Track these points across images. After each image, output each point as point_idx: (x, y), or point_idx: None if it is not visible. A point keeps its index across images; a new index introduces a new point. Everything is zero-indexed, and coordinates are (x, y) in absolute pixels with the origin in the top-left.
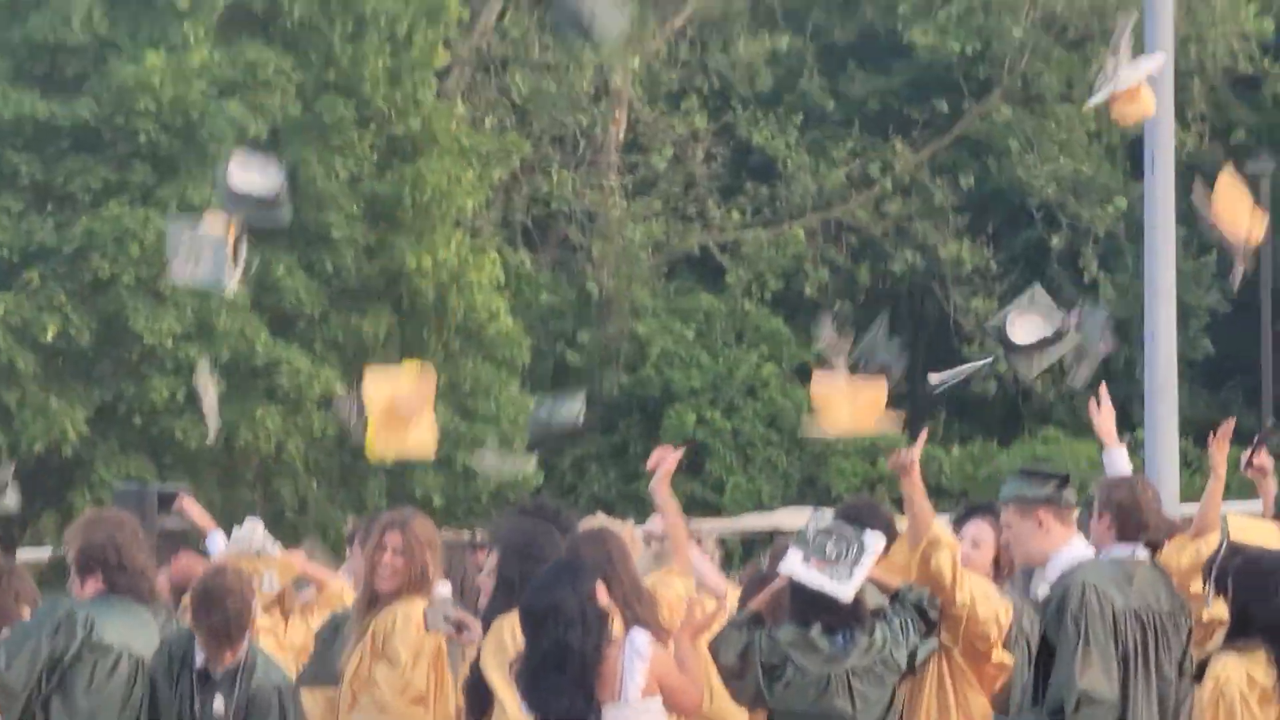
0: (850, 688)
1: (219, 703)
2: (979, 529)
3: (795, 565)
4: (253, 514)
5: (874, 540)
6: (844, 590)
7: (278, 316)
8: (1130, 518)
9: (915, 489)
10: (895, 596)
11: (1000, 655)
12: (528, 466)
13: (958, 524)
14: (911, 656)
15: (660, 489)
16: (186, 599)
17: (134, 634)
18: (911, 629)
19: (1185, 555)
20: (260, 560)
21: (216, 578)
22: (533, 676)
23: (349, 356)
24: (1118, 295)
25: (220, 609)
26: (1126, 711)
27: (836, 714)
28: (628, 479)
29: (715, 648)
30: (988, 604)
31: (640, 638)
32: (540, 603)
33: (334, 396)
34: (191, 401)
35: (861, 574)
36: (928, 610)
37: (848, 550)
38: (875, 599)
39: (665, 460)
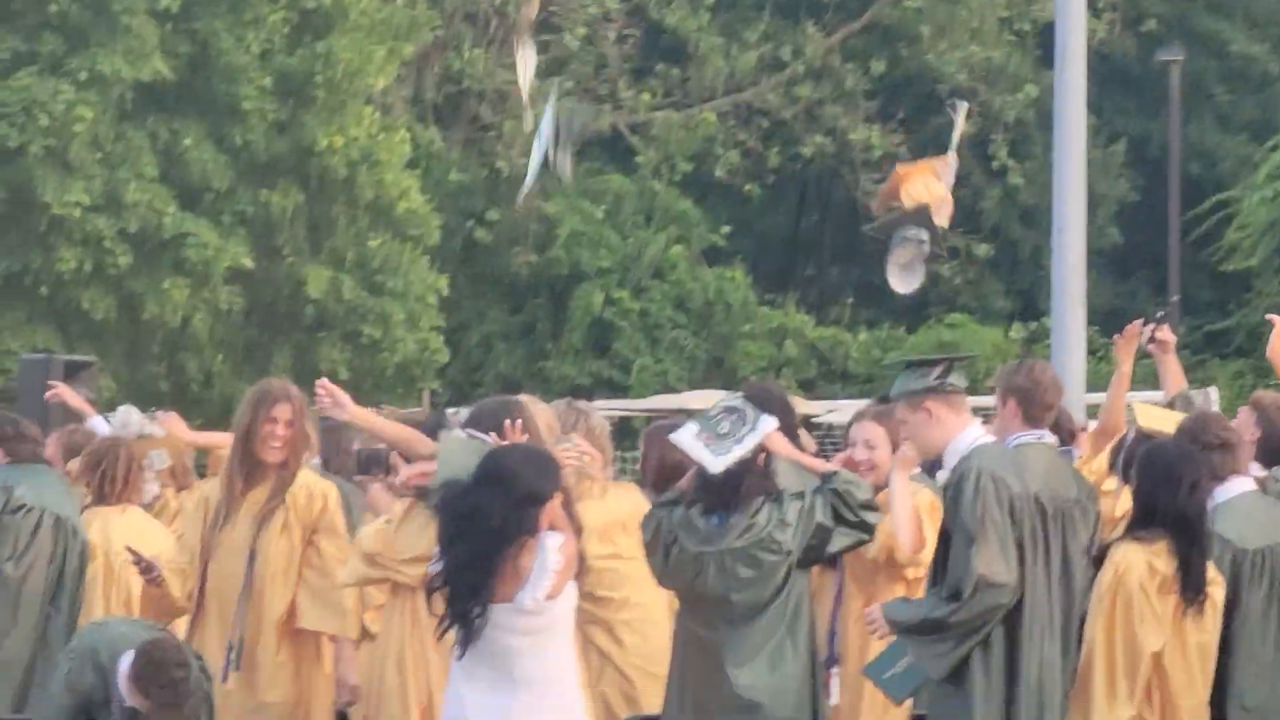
0: (724, 568)
1: None
2: (867, 430)
3: (685, 437)
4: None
5: (765, 422)
6: (713, 464)
7: (186, 190)
8: (1031, 401)
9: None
10: (823, 480)
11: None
12: None
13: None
14: (815, 541)
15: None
16: (72, 464)
17: (48, 493)
18: (818, 514)
19: (1096, 463)
20: (145, 442)
21: (156, 652)
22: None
23: (257, 231)
24: (1026, 183)
25: (169, 689)
26: (1024, 598)
27: (709, 593)
28: (534, 358)
29: (641, 525)
30: None
31: (552, 540)
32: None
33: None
34: (99, 272)
35: (739, 452)
36: (849, 503)
37: (738, 429)
38: (797, 482)
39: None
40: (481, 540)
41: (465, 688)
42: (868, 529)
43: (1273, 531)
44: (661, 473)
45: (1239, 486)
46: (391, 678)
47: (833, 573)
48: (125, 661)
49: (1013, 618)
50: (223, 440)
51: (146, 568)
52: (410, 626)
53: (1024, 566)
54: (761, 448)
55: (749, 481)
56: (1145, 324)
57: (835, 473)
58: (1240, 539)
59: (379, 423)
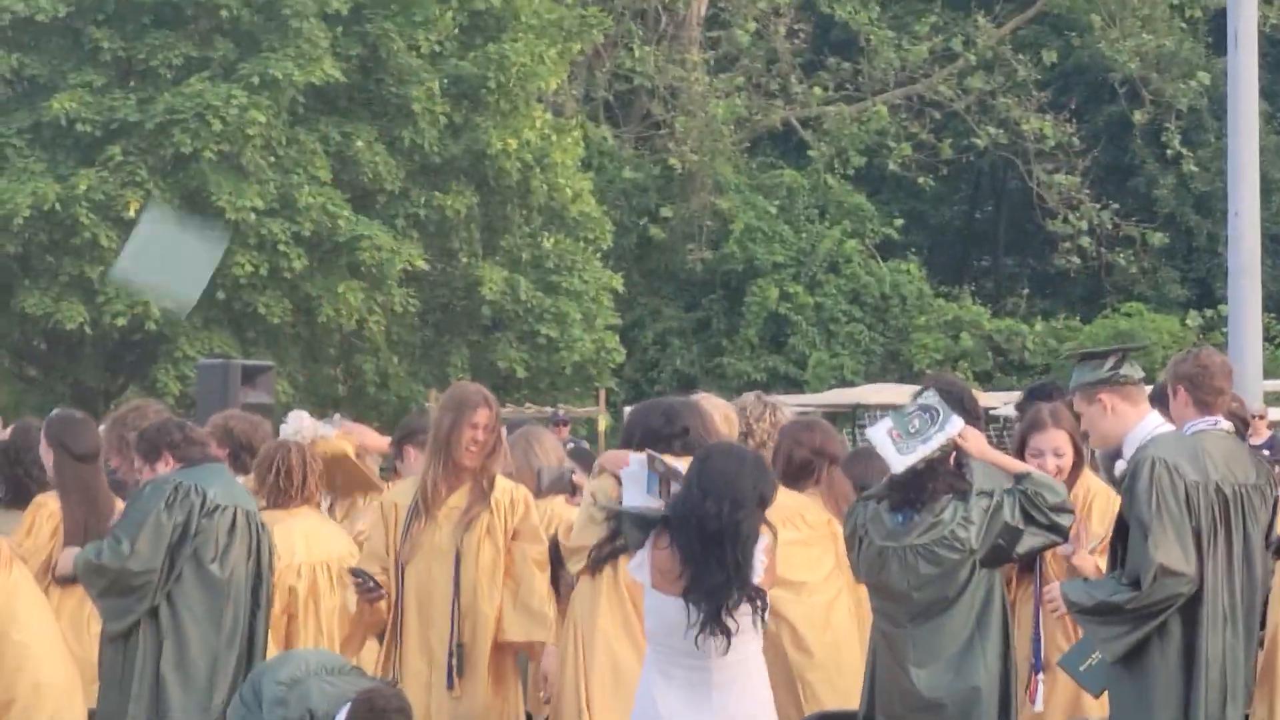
0: (906, 564)
1: None
2: (1054, 439)
3: (878, 433)
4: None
5: (953, 423)
6: (898, 462)
7: (359, 192)
8: (1200, 387)
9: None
10: (1016, 481)
11: None
12: None
13: (1020, 408)
14: (1003, 541)
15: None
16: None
17: (233, 489)
18: (1006, 513)
19: None
20: (320, 444)
21: (378, 700)
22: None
23: (431, 233)
24: (1200, 170)
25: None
26: (1203, 586)
27: (893, 589)
28: (710, 354)
29: (844, 518)
30: None
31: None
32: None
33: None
34: (274, 276)
35: (923, 451)
36: (1040, 505)
37: (927, 428)
38: (989, 481)
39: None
40: (727, 547)
41: (662, 686)
42: (1060, 531)
43: None
44: (788, 469)
45: None
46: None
47: (1030, 576)
48: (342, 712)
49: (1192, 606)
50: (385, 443)
51: (370, 587)
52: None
53: (1203, 554)
54: (953, 446)
55: (937, 479)
56: None
57: (1028, 473)
58: None
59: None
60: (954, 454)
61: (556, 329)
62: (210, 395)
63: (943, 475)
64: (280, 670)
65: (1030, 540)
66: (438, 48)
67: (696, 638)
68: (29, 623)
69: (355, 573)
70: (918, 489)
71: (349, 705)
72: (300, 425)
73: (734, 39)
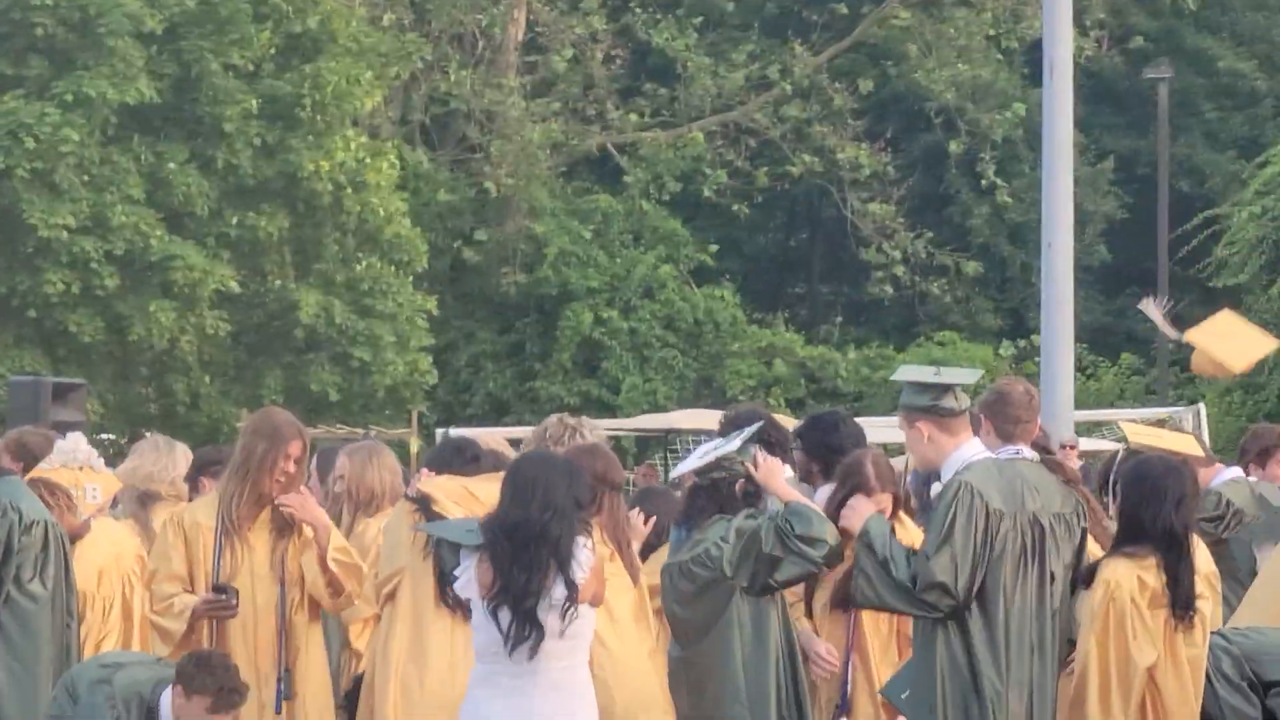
0: (673, 581)
1: None
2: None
3: (683, 465)
4: (144, 408)
5: (731, 442)
6: (675, 470)
7: (172, 212)
8: (1002, 417)
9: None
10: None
11: None
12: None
13: (801, 434)
14: (759, 568)
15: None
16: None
17: (35, 502)
18: (764, 540)
19: None
20: (84, 474)
21: (198, 652)
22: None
23: (244, 254)
24: (1015, 200)
25: (226, 672)
26: (1009, 612)
27: (666, 608)
28: (523, 378)
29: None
30: None
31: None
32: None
33: (229, 293)
34: (86, 294)
35: (693, 462)
36: (787, 534)
37: (712, 447)
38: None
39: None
40: (534, 549)
41: (485, 697)
42: (811, 561)
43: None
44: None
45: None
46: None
47: (844, 616)
48: (166, 690)
49: (994, 632)
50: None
51: (230, 605)
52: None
53: (1000, 583)
54: (733, 464)
55: (709, 498)
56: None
57: (788, 503)
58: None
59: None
60: (742, 480)
61: (369, 352)
62: (21, 412)
63: (717, 495)
64: (93, 664)
65: (789, 569)
66: (253, 68)
67: (509, 645)
68: None
69: (219, 589)
70: (693, 506)
71: (171, 679)
72: (79, 446)
73: (551, 64)
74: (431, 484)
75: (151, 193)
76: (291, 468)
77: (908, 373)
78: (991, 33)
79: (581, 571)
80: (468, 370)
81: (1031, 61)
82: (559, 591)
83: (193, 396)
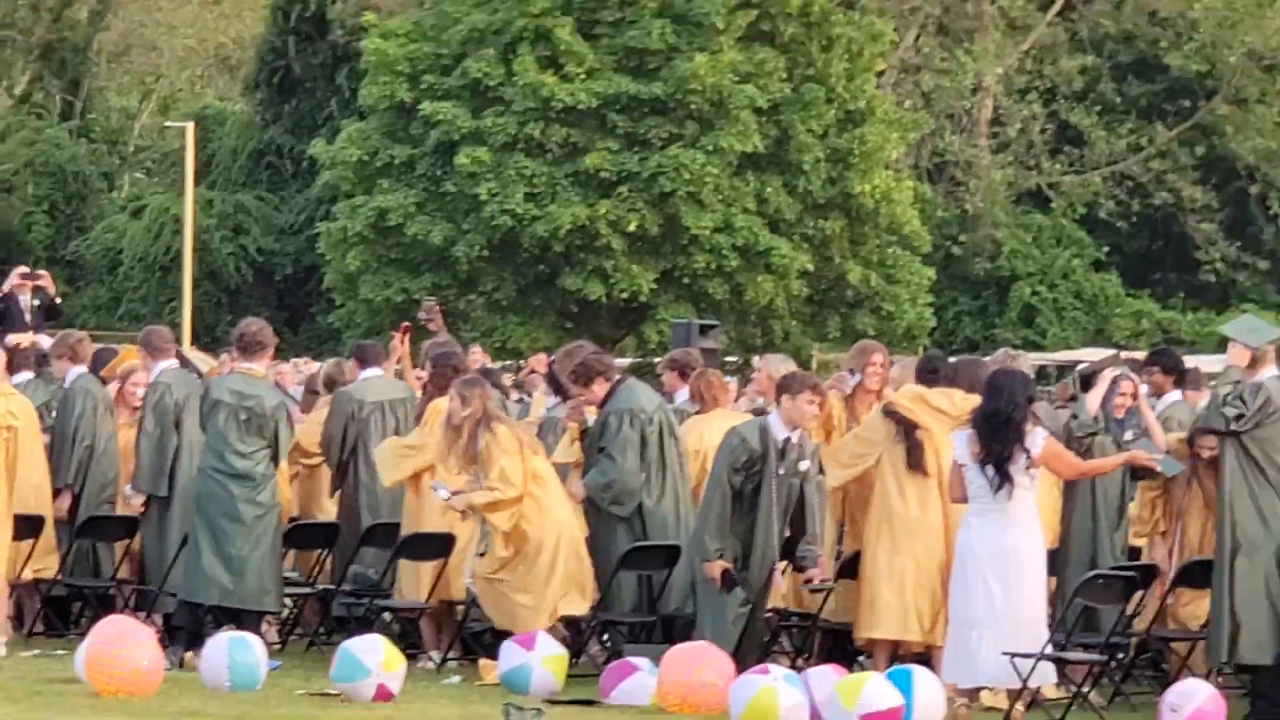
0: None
1: None
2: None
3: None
4: None
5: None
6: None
7: (771, 220)
8: None
9: None
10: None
11: None
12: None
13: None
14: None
15: None
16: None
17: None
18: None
19: None
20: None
21: None
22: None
23: (816, 244)
24: None
25: None
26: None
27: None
28: (987, 326)
29: None
30: None
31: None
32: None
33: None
34: (720, 271)
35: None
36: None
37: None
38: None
39: None
40: (1002, 429)
41: (976, 520)
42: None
43: None
44: None
45: None
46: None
47: None
48: None
49: None
50: None
51: None
52: None
53: None
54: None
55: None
56: None
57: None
58: None
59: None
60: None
61: (893, 305)
62: (679, 343)
63: None
64: None
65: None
66: (822, 132)
67: (993, 489)
68: None
69: None
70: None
71: None
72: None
73: (1006, 133)
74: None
75: (759, 207)
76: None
77: (1242, 323)
78: None
79: (1037, 446)
80: (952, 320)
81: None
82: (1020, 457)
83: (784, 334)
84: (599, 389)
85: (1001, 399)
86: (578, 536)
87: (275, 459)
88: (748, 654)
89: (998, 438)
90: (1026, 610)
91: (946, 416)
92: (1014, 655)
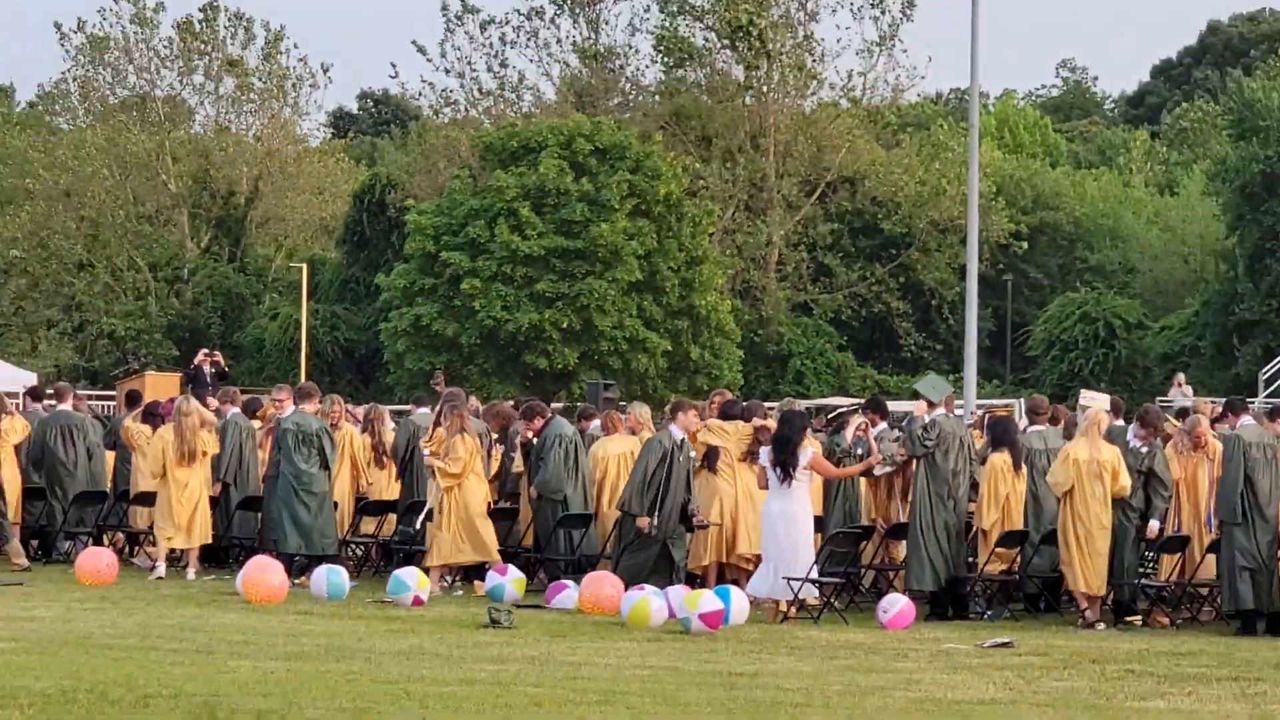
0: None
1: None
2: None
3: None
4: None
5: None
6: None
7: (646, 321)
8: None
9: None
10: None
11: None
12: None
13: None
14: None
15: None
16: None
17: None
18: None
19: None
20: None
21: None
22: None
23: (673, 336)
24: None
25: None
26: None
27: None
28: None
29: None
30: None
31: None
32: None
33: None
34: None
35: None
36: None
37: None
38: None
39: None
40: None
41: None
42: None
43: None
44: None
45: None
46: None
47: None
48: None
49: None
50: None
51: None
52: None
53: None
54: None
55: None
56: None
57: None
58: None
59: None
60: None
61: None
62: None
63: None
64: None
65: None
66: None
67: (780, 481)
68: None
69: None
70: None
71: None
72: None
73: (785, 269)
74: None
75: (639, 314)
76: None
77: (926, 382)
78: None
79: (805, 458)
80: (754, 381)
81: None
82: (798, 463)
83: (654, 388)
84: (538, 422)
85: (788, 428)
86: (483, 510)
87: (325, 465)
88: (643, 578)
89: (785, 451)
90: (801, 552)
91: (730, 438)
92: (790, 579)
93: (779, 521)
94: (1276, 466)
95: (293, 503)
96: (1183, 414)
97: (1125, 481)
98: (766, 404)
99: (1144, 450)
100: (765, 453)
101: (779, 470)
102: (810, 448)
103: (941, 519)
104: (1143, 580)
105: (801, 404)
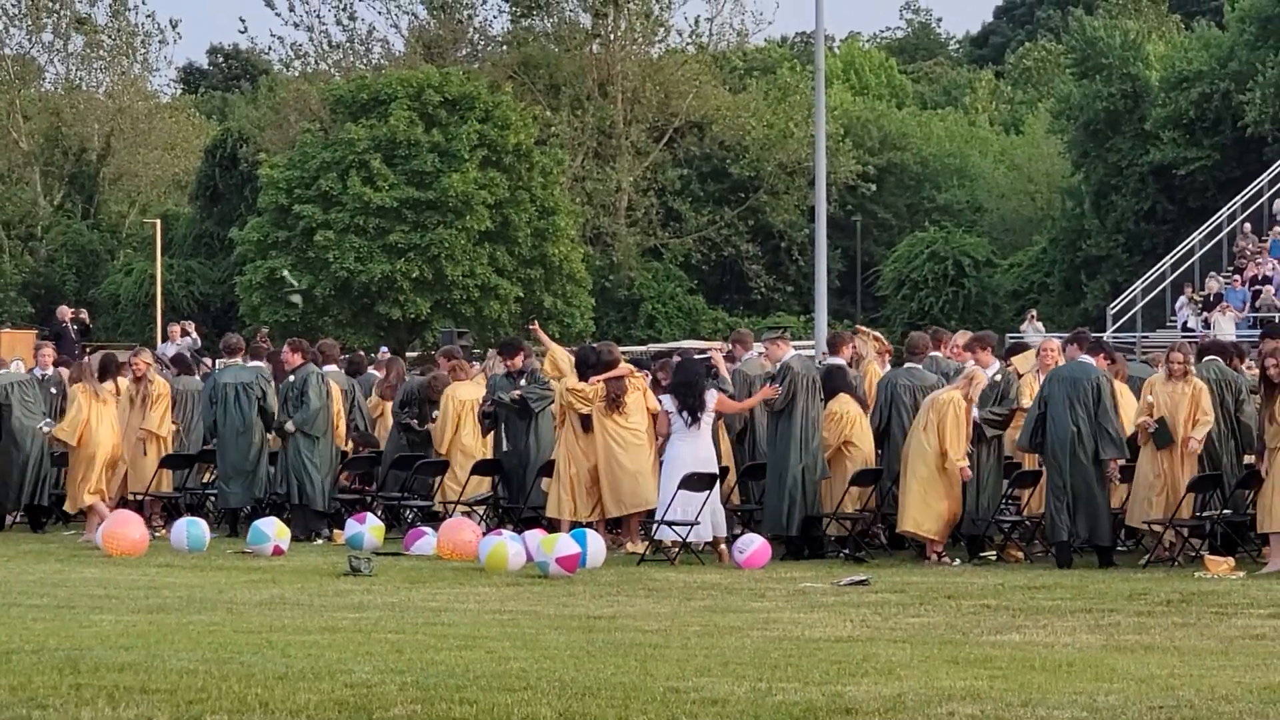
0: None
1: None
2: None
3: None
4: None
5: None
6: None
7: (499, 270)
8: None
9: None
10: None
11: None
12: None
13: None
14: None
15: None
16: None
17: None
18: None
19: None
20: None
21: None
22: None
23: (526, 285)
24: None
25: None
26: None
27: None
28: None
29: None
30: None
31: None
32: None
33: None
34: None
35: None
36: None
37: None
38: None
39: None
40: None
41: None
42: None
43: None
44: None
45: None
46: None
47: None
48: None
49: None
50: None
51: None
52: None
53: None
54: None
55: None
56: None
57: None
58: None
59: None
60: None
61: None
62: None
63: None
64: None
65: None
66: None
67: (687, 424)
68: None
69: None
70: None
71: None
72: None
73: (635, 215)
74: None
75: (492, 263)
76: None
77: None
78: None
79: (711, 400)
80: (607, 327)
81: None
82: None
83: (505, 336)
84: (519, 359)
85: (690, 373)
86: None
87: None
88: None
89: (691, 394)
90: (713, 493)
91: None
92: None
93: (690, 464)
94: (1096, 401)
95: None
96: (1016, 349)
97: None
98: (621, 347)
99: (998, 379)
100: (668, 400)
101: (685, 414)
102: (713, 390)
103: (799, 461)
104: (997, 517)
105: (654, 348)
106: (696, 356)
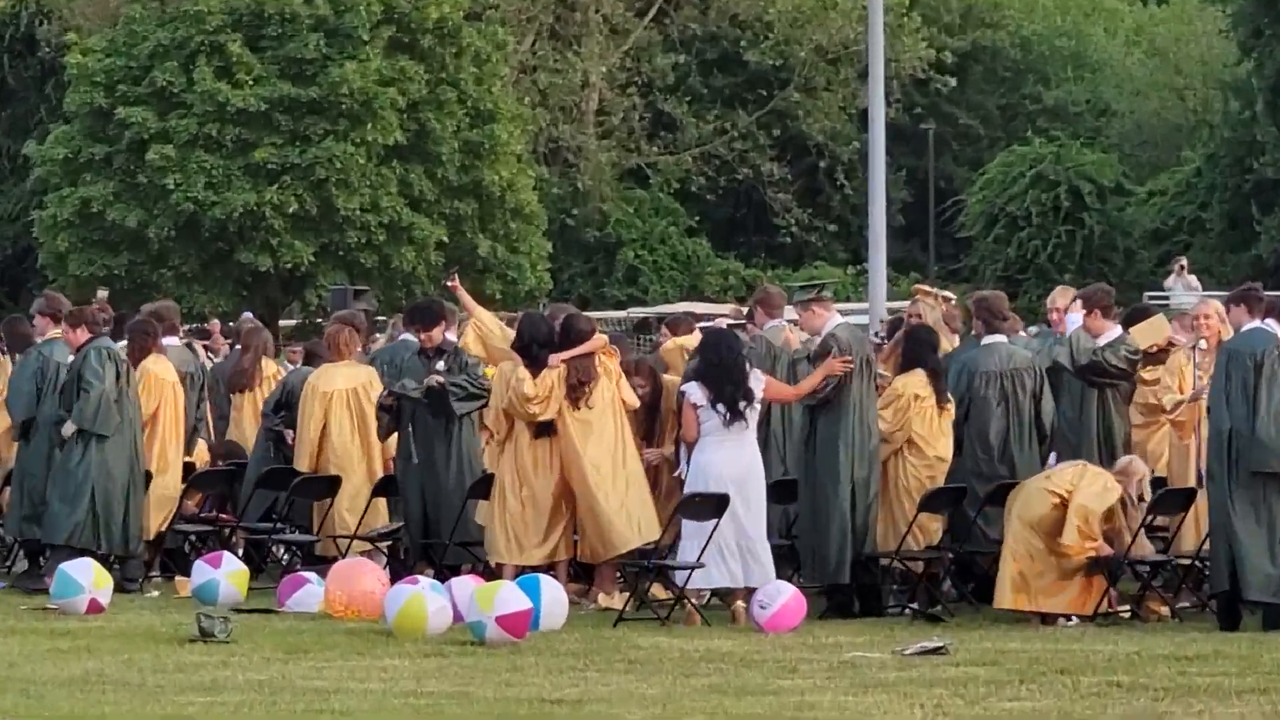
0: None
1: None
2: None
3: None
4: None
5: None
6: None
7: (413, 201)
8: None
9: None
10: None
11: None
12: None
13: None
14: None
15: None
16: None
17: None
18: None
19: None
20: None
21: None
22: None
23: (451, 222)
24: None
25: None
26: None
27: None
28: None
29: None
30: None
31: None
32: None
33: None
34: None
35: None
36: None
37: None
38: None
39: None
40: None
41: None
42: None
43: None
44: None
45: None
46: None
47: None
48: None
49: None
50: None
51: None
52: None
53: None
54: None
55: None
56: None
57: None
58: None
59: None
60: None
61: None
62: None
63: None
64: None
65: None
66: None
67: (725, 422)
68: None
69: None
70: None
71: None
72: None
73: (610, 122)
74: None
75: (403, 190)
76: None
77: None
78: None
79: (758, 387)
80: (567, 281)
81: None
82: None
83: (424, 296)
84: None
85: (724, 351)
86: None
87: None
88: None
89: (730, 381)
90: (760, 519)
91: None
92: (650, 564)
93: (729, 478)
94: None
95: None
96: (1136, 316)
97: None
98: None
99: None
100: (695, 389)
101: (722, 408)
102: (758, 372)
103: (849, 476)
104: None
105: (637, 314)
106: (723, 324)
